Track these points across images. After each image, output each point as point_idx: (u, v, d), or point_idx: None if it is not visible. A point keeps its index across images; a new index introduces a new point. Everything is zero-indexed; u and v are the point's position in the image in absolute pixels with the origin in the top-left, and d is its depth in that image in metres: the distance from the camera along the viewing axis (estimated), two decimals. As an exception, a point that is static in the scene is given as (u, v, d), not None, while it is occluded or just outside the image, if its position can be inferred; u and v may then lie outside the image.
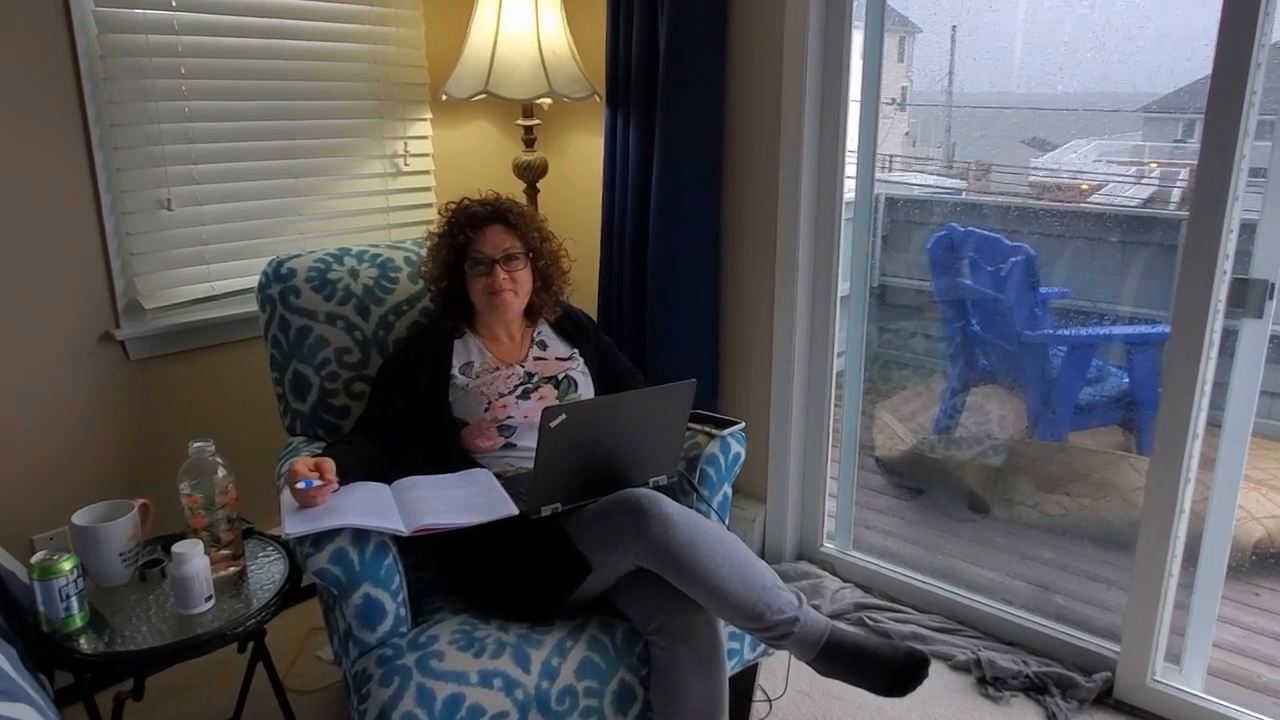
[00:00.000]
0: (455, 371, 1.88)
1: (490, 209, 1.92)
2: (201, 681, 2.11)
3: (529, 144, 2.56)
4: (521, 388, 1.89)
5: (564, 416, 1.55)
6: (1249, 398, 1.92)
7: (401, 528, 1.53)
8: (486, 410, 1.84)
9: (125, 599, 1.61)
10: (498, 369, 1.90)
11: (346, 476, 1.62)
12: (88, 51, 1.99)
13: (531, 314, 1.99)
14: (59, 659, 1.48)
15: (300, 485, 1.51)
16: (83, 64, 1.99)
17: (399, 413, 1.84)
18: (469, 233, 1.89)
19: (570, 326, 2.04)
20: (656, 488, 1.70)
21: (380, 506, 1.59)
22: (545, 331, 2.02)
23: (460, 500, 1.65)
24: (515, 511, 1.60)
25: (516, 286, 1.89)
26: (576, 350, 2.00)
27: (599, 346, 2.06)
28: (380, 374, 1.92)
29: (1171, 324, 1.87)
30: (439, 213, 1.99)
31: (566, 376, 1.94)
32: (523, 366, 1.93)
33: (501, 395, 1.86)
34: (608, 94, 2.47)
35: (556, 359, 1.98)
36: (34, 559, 1.49)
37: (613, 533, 1.59)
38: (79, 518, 1.62)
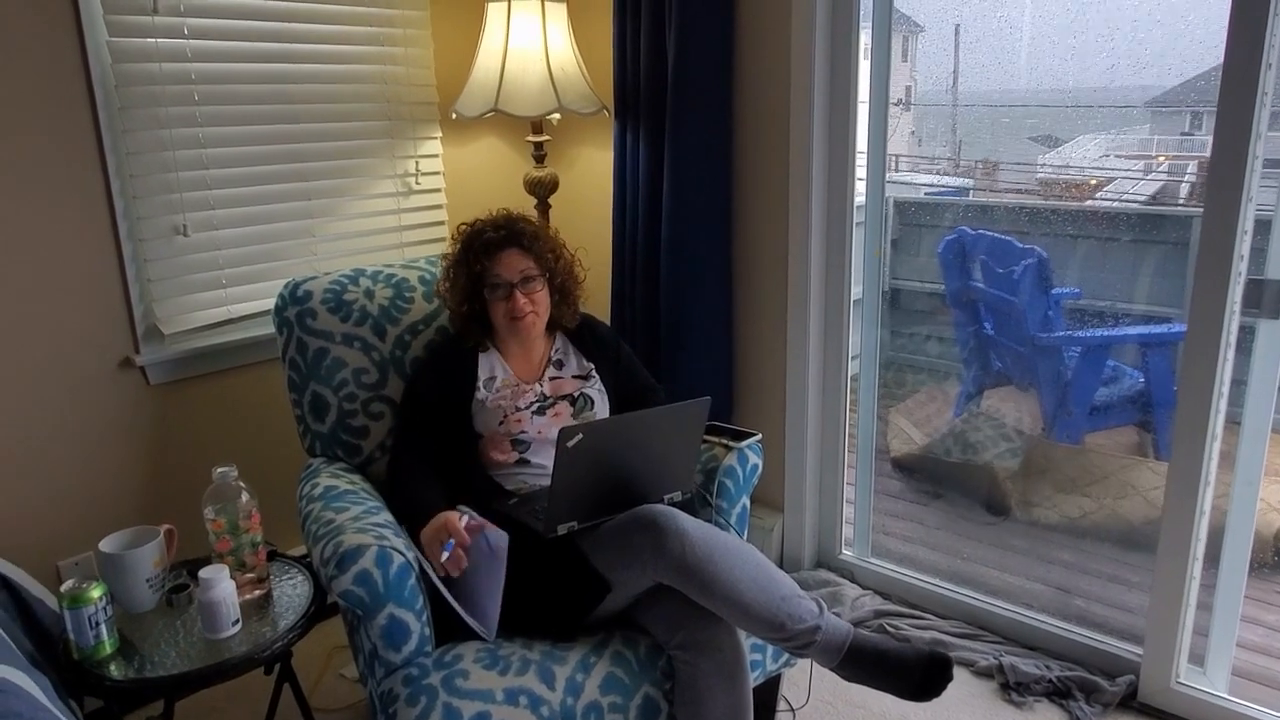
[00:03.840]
0: (480, 385, 1.90)
1: (504, 233, 1.92)
2: (228, 703, 2.12)
3: (539, 160, 2.58)
4: (537, 404, 1.91)
5: (581, 436, 1.56)
6: (1268, 397, 1.91)
7: (489, 637, 1.62)
8: (501, 424, 1.86)
9: (153, 624, 1.63)
10: (518, 384, 1.92)
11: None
12: (102, 81, 2.02)
13: (551, 326, 2.01)
14: (90, 686, 1.49)
15: (445, 556, 1.59)
16: (98, 93, 2.01)
17: (437, 426, 1.87)
18: (484, 260, 1.90)
19: (590, 339, 2.05)
20: (672, 504, 1.71)
21: (487, 598, 1.64)
22: (563, 349, 2.03)
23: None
24: (486, 638, 1.63)
25: (536, 307, 1.91)
26: (593, 366, 2.01)
27: (619, 360, 2.06)
28: (413, 391, 1.94)
29: (1187, 325, 1.86)
30: (452, 237, 2.00)
31: (582, 394, 1.95)
32: (540, 385, 1.94)
33: (518, 410, 1.88)
34: (616, 108, 2.48)
35: (573, 377, 1.99)
36: (63, 588, 1.51)
37: (630, 550, 1.60)
38: (106, 545, 1.64)
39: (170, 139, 2.14)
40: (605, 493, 1.67)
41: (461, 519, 1.63)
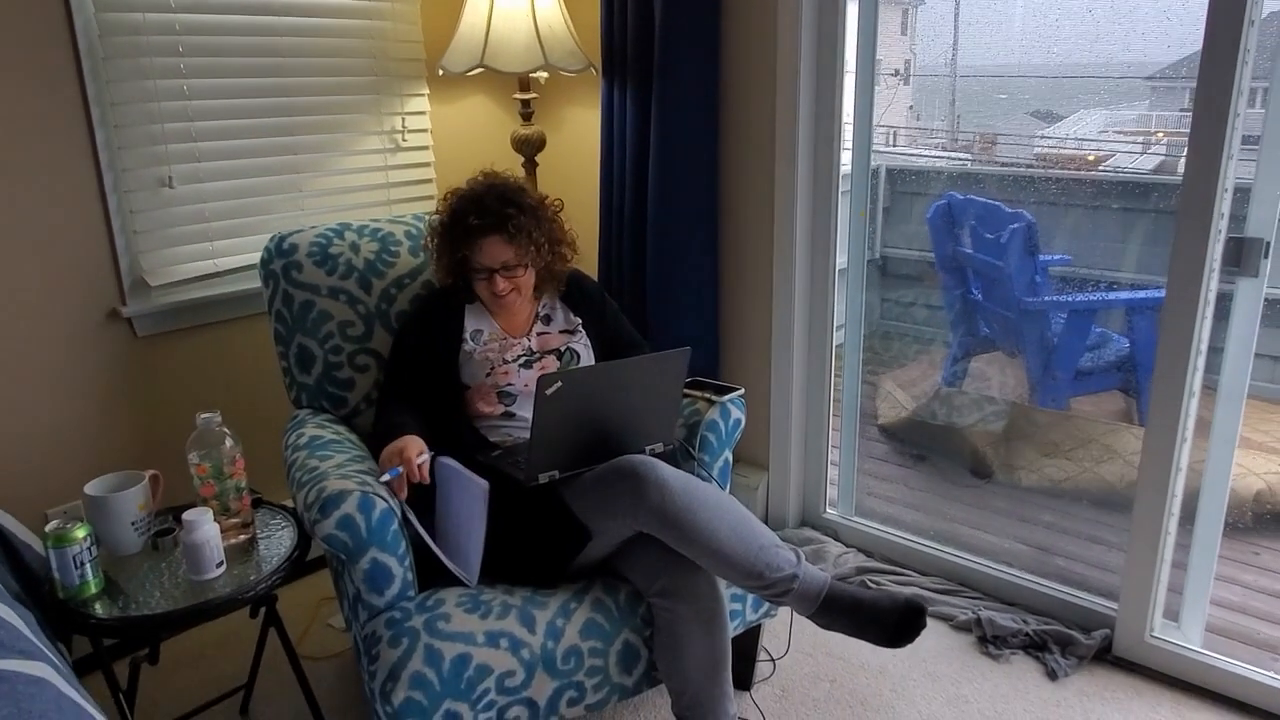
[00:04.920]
0: (467, 336, 1.91)
1: (489, 219, 1.86)
2: (216, 650, 2.15)
3: (526, 118, 2.57)
4: (524, 358, 1.92)
5: (560, 384, 1.57)
6: (1245, 358, 1.93)
7: (471, 582, 1.65)
8: (488, 375, 1.87)
9: (138, 567, 1.64)
10: (506, 338, 1.93)
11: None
12: (86, 31, 2.01)
13: (537, 290, 2.01)
14: (75, 624, 1.51)
15: (385, 477, 1.59)
16: (81, 44, 2.00)
17: (424, 378, 1.88)
18: (466, 248, 1.88)
19: (577, 294, 2.06)
20: (654, 455, 1.73)
21: (468, 544, 1.66)
22: (550, 304, 2.03)
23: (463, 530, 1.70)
24: (468, 583, 1.66)
25: (518, 287, 1.91)
26: (580, 321, 2.02)
27: (605, 315, 2.07)
28: (400, 343, 1.95)
29: (1168, 282, 1.87)
30: (444, 198, 1.96)
31: (569, 349, 1.97)
32: (528, 340, 1.95)
33: (505, 362, 1.89)
34: (604, 66, 2.47)
35: (560, 332, 2.00)
36: (48, 528, 1.52)
37: (611, 499, 1.61)
38: (91, 488, 1.65)
39: (155, 90, 2.13)
40: (586, 442, 1.69)
41: (420, 456, 1.64)
